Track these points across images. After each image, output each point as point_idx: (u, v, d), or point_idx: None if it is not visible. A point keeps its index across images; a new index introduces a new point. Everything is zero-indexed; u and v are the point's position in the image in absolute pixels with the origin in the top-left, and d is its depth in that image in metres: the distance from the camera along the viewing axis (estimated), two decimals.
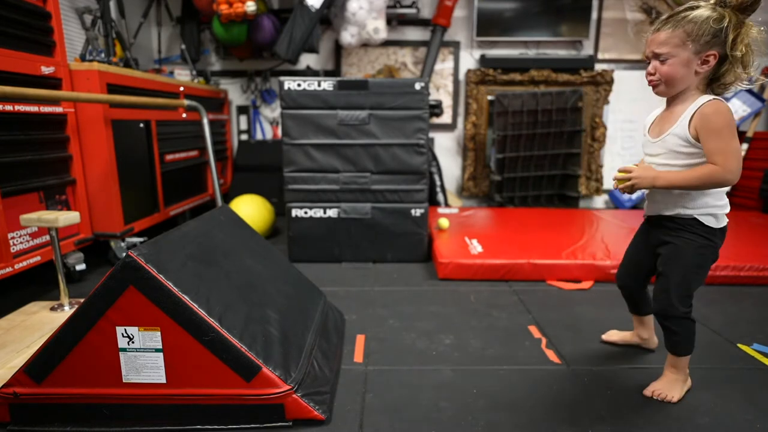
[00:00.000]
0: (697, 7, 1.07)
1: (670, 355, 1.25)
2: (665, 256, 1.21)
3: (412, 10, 3.52)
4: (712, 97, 1.09)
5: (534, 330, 1.66)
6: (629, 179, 1.15)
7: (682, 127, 1.11)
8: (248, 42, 3.39)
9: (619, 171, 1.17)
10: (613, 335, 1.56)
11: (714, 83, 1.11)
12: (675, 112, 1.15)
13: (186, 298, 1.05)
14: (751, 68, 1.07)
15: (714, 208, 1.15)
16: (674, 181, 1.11)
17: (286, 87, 2.33)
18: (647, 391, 1.26)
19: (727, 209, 1.16)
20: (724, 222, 1.17)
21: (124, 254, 1.03)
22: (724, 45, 1.05)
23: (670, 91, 1.14)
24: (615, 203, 3.84)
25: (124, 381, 1.09)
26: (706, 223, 1.15)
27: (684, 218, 1.17)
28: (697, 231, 1.16)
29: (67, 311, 1.71)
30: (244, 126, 3.90)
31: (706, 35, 1.05)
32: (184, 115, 2.84)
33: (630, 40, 3.74)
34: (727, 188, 1.14)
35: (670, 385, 1.25)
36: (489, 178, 3.77)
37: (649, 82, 1.14)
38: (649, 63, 1.13)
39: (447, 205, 3.57)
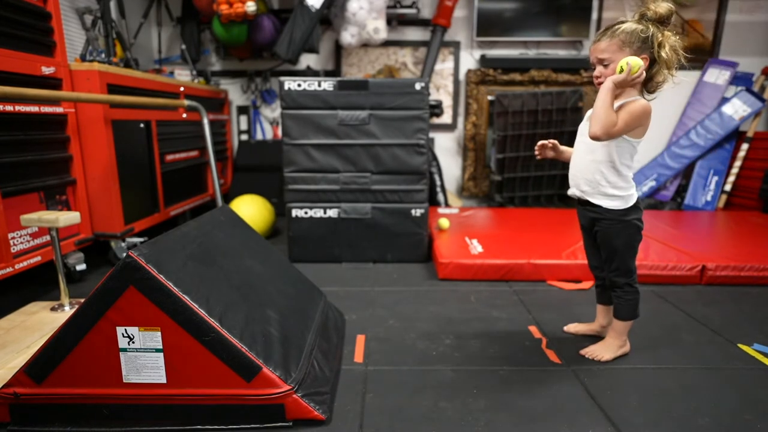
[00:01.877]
0: (625, 22, 1.28)
1: (615, 321, 1.46)
2: (601, 244, 1.43)
3: (412, 10, 3.52)
4: (641, 97, 1.30)
5: (534, 330, 1.66)
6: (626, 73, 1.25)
7: None
8: (248, 42, 3.39)
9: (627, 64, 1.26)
10: (573, 327, 1.66)
11: (648, 83, 1.31)
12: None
13: (186, 298, 1.05)
14: (674, 70, 1.27)
15: (620, 190, 1.34)
16: (604, 95, 1.25)
17: (286, 87, 2.33)
18: (583, 351, 1.49)
19: (633, 190, 1.36)
20: (632, 201, 1.36)
21: (125, 254, 1.03)
22: (652, 49, 1.25)
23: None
24: None
25: (124, 381, 1.09)
26: (617, 208, 1.35)
27: (599, 206, 1.37)
28: (612, 217, 1.36)
29: (68, 311, 1.71)
30: (244, 126, 3.90)
31: (637, 42, 1.25)
32: (184, 116, 2.84)
33: None
34: (631, 172, 1.35)
35: (604, 348, 1.47)
36: (489, 178, 3.77)
37: (597, 84, 1.32)
38: (595, 68, 1.32)
39: (447, 205, 3.57)
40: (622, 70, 1.23)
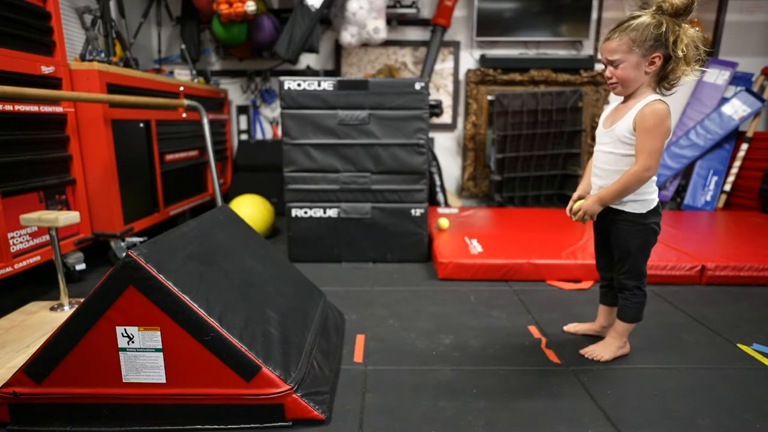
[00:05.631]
0: (639, 16, 1.21)
1: (617, 322, 1.45)
2: (614, 245, 1.41)
3: (412, 10, 3.52)
4: (657, 97, 1.24)
5: (534, 330, 1.66)
6: (581, 212, 1.34)
7: (629, 118, 1.26)
8: (248, 42, 3.39)
9: (572, 209, 1.40)
10: (572, 327, 1.65)
11: (664, 80, 1.25)
12: (627, 106, 1.29)
13: (186, 298, 1.05)
14: (695, 64, 1.20)
15: (642, 194, 1.32)
16: (612, 193, 1.29)
17: (286, 87, 2.33)
18: (583, 351, 1.48)
19: (655, 194, 1.34)
20: (652, 204, 1.33)
21: (124, 254, 1.03)
22: (666, 47, 1.19)
23: (626, 91, 1.28)
24: None
25: (124, 381, 1.09)
26: (635, 212, 1.33)
27: (616, 209, 1.35)
28: (629, 219, 1.34)
29: (67, 311, 1.71)
30: (244, 126, 3.90)
31: (649, 40, 1.19)
32: (184, 115, 2.84)
33: None
34: (655, 177, 1.32)
35: (604, 348, 1.46)
36: (489, 178, 3.77)
37: (609, 84, 1.29)
38: (606, 68, 1.28)
39: (447, 205, 3.57)
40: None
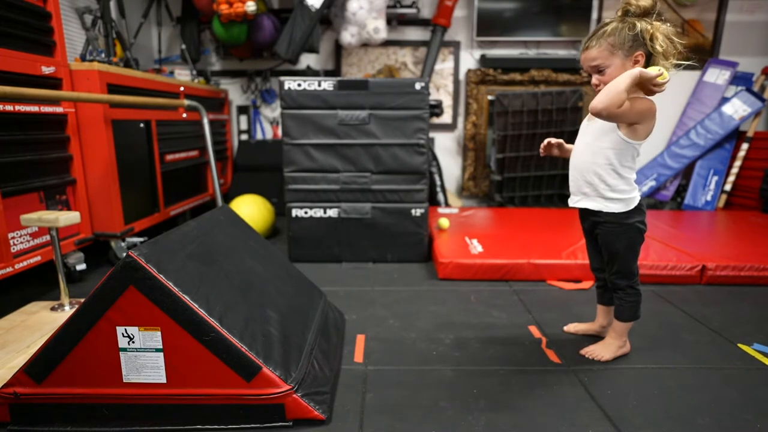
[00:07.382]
0: (610, 23, 1.24)
1: (615, 322, 1.46)
2: (602, 247, 1.42)
3: (412, 10, 3.52)
4: (644, 96, 1.24)
5: (534, 330, 1.66)
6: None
7: None
8: (248, 42, 3.39)
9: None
10: (573, 327, 1.65)
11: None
12: None
13: (186, 298, 1.05)
14: (673, 57, 1.20)
15: (621, 193, 1.32)
16: (625, 78, 1.16)
17: (286, 87, 2.33)
18: (583, 351, 1.49)
19: (635, 193, 1.33)
20: (634, 203, 1.33)
21: (125, 254, 1.03)
22: (645, 45, 1.21)
23: None
24: None
25: (124, 381, 1.09)
26: (616, 211, 1.33)
27: (597, 211, 1.35)
28: (612, 220, 1.34)
29: (68, 311, 1.71)
30: (244, 126, 3.90)
31: (628, 41, 1.21)
32: (184, 115, 2.84)
33: None
34: (633, 174, 1.32)
35: (604, 348, 1.47)
36: (489, 178, 3.77)
37: (597, 92, 1.24)
38: (590, 77, 1.28)
39: (447, 205, 3.57)
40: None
